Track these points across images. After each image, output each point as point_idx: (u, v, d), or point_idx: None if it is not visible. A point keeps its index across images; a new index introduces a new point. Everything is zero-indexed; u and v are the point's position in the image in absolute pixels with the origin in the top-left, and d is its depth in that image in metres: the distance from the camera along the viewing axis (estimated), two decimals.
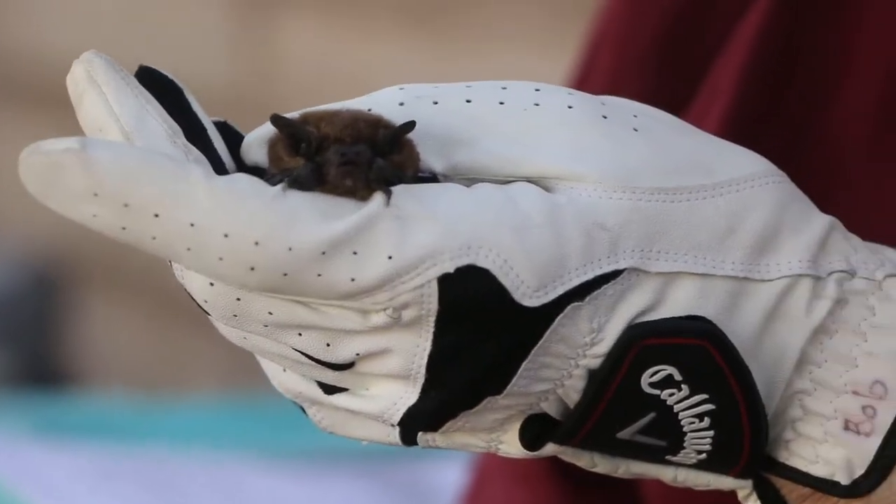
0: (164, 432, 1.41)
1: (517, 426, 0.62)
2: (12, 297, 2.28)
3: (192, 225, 0.58)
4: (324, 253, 0.58)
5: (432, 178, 0.61)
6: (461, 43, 2.14)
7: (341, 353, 0.61)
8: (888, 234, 0.69)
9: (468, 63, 2.12)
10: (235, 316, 0.61)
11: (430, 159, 0.61)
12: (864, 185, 0.76)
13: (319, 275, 0.58)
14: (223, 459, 1.37)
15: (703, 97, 0.83)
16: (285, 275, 0.58)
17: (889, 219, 0.75)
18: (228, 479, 1.31)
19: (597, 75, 0.89)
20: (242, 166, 0.62)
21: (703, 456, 0.62)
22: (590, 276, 0.60)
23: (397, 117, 0.60)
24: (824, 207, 0.66)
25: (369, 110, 0.61)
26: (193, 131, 0.61)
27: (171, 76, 0.62)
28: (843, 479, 0.62)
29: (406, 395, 0.61)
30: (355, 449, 1.45)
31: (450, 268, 0.58)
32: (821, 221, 0.63)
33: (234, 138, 0.62)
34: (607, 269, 0.60)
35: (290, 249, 0.58)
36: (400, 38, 2.09)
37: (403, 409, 0.61)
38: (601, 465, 0.64)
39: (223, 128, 0.62)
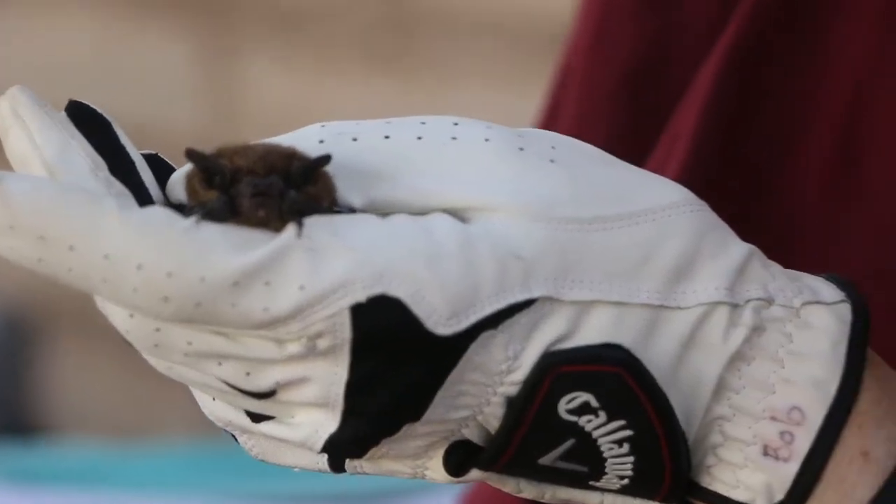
0: (135, 478, 1.39)
1: (441, 453, 0.62)
2: None
3: (106, 257, 0.57)
4: (236, 283, 0.58)
5: (350, 212, 0.61)
6: (427, 82, 2.16)
7: (261, 382, 0.60)
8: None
9: (434, 101, 2.14)
10: (156, 346, 0.60)
11: (349, 195, 0.60)
12: (819, 232, 0.75)
13: (233, 305, 0.58)
14: (192, 503, 1.40)
15: (664, 143, 0.82)
16: (198, 305, 0.58)
17: (843, 263, 0.74)
18: None
19: (563, 119, 0.88)
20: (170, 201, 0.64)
21: (626, 481, 0.62)
22: (503, 304, 0.60)
23: (317, 154, 0.59)
24: (780, 251, 0.66)
25: (285, 144, 0.61)
26: (120, 165, 0.60)
27: (99, 110, 0.61)
28: (764, 502, 0.63)
29: (327, 423, 0.60)
30: (325, 493, 1.44)
31: (362, 297, 0.58)
32: (739, 249, 0.63)
33: (167, 172, 0.62)
34: (520, 297, 0.60)
35: (202, 280, 0.58)
36: (365, 78, 2.11)
37: (325, 437, 0.60)
38: (527, 490, 0.64)
39: (155, 161, 0.62)
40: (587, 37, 0.90)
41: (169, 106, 2.32)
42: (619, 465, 0.62)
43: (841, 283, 0.64)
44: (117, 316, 0.60)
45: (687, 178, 0.69)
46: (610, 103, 0.86)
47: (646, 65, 0.87)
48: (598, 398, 0.61)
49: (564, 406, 0.61)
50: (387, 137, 0.62)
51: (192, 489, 1.38)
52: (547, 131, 0.65)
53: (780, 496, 0.62)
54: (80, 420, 2.15)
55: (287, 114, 2.26)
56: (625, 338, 0.61)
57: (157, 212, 0.59)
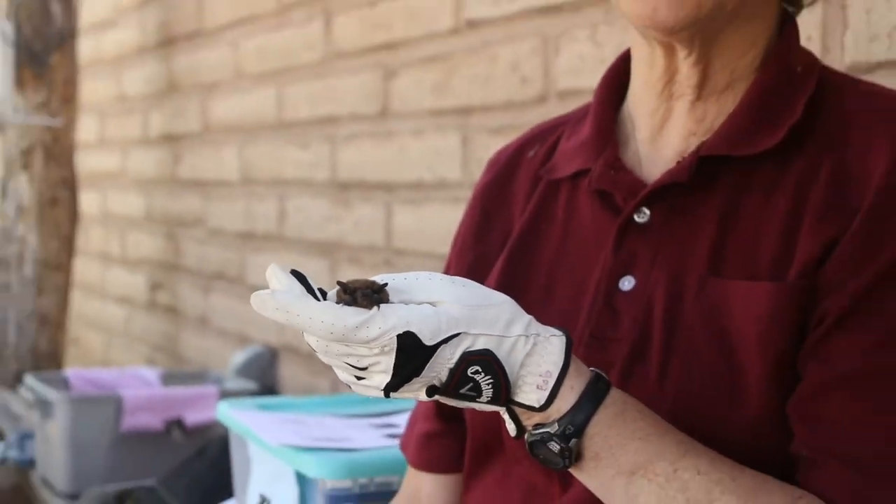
0: (307, 409, 1.51)
1: (425, 389, 0.67)
2: (257, 361, 2.43)
3: (310, 317, 0.64)
4: (357, 327, 0.64)
5: (393, 303, 0.66)
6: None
7: (362, 364, 0.66)
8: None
9: None
10: (325, 353, 0.66)
11: (393, 298, 0.66)
12: (537, 315, 0.72)
13: (355, 335, 0.64)
14: (329, 416, 1.47)
15: None
16: (343, 336, 0.64)
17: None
18: (327, 422, 1.42)
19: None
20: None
21: (489, 398, 0.68)
22: (448, 335, 0.66)
23: (382, 283, 0.66)
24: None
25: (374, 280, 0.66)
26: (310, 289, 0.66)
27: (303, 272, 0.66)
28: (536, 405, 0.68)
29: (385, 379, 0.66)
30: (378, 412, 1.54)
31: (401, 332, 0.65)
32: (527, 317, 0.68)
33: (324, 293, 0.67)
34: (455, 332, 0.66)
35: (344, 326, 0.64)
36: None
37: (384, 384, 0.66)
38: (451, 402, 0.69)
39: (321, 290, 0.67)
40: (455, 252, 0.92)
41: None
42: (488, 392, 0.67)
43: (561, 329, 0.69)
44: (311, 339, 0.66)
45: None
46: (466, 276, 0.84)
47: (476, 262, 0.89)
48: (482, 367, 0.67)
49: (469, 371, 0.66)
50: (405, 279, 0.67)
51: (331, 411, 1.47)
52: (461, 277, 0.69)
53: (543, 402, 0.68)
54: (294, 392, 2.29)
55: None
56: (491, 347, 0.67)
57: (328, 303, 0.65)
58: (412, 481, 0.90)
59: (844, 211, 0.68)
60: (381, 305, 0.64)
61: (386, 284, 0.65)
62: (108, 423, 2.13)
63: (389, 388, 0.65)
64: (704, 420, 0.68)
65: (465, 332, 0.65)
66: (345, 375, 0.67)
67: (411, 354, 0.64)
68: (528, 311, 0.68)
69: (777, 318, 0.68)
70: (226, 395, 2.19)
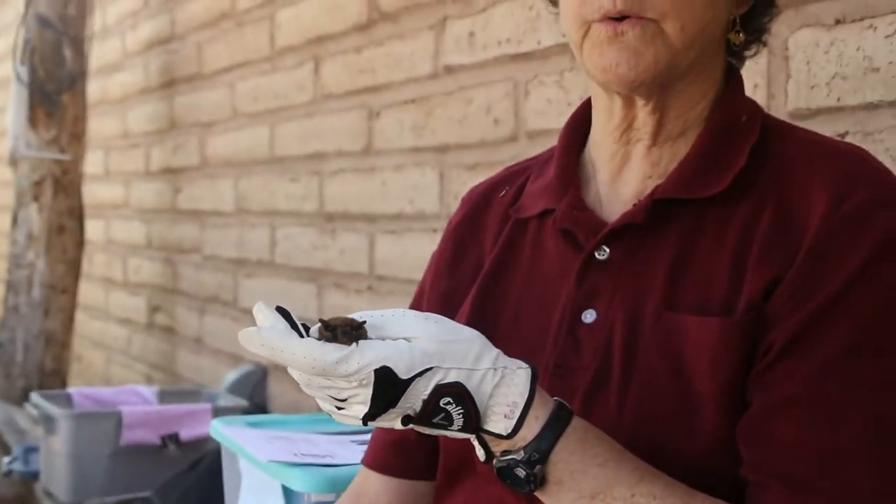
0: (293, 426, 1.49)
1: (399, 419, 0.66)
2: (248, 379, 2.40)
3: (293, 353, 0.63)
4: (336, 362, 0.63)
5: (370, 339, 0.65)
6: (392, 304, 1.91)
7: (342, 396, 0.65)
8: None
9: None
10: (307, 385, 0.65)
11: (371, 333, 0.65)
12: (505, 347, 0.69)
13: (335, 369, 0.63)
14: (314, 433, 1.45)
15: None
16: (324, 370, 0.63)
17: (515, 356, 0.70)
18: (312, 438, 1.40)
19: (420, 307, 0.86)
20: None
21: (459, 427, 0.67)
22: (421, 369, 0.64)
23: (361, 321, 0.65)
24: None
25: (353, 317, 0.65)
26: (294, 324, 0.65)
27: (286, 308, 0.65)
28: (503, 433, 0.67)
29: (363, 410, 0.65)
30: (360, 430, 1.50)
31: (377, 366, 0.63)
32: (495, 351, 0.67)
33: (307, 329, 0.65)
34: (428, 366, 0.65)
35: (325, 361, 0.63)
36: None
37: (362, 414, 0.65)
38: (424, 430, 0.68)
39: (304, 325, 0.65)
40: (430, 279, 0.89)
41: None
42: (458, 421, 0.66)
43: (527, 361, 0.68)
44: (294, 373, 0.65)
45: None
46: (437, 306, 0.84)
47: (449, 289, 0.86)
48: (453, 399, 0.65)
49: (441, 402, 0.65)
50: (381, 316, 0.66)
51: (314, 428, 1.45)
52: (433, 314, 0.67)
53: (510, 430, 0.66)
54: (282, 408, 2.25)
55: None
56: (462, 379, 0.65)
57: (310, 339, 0.64)
58: (359, 479, 0.89)
59: (786, 251, 0.68)
60: (360, 342, 0.63)
61: (364, 322, 0.64)
62: (108, 438, 2.12)
63: (367, 418, 0.64)
64: (662, 441, 0.67)
65: (437, 367, 0.64)
66: (326, 406, 0.65)
67: (387, 387, 0.63)
68: (498, 340, 0.67)
69: (727, 349, 0.67)
70: (219, 411, 2.17)
